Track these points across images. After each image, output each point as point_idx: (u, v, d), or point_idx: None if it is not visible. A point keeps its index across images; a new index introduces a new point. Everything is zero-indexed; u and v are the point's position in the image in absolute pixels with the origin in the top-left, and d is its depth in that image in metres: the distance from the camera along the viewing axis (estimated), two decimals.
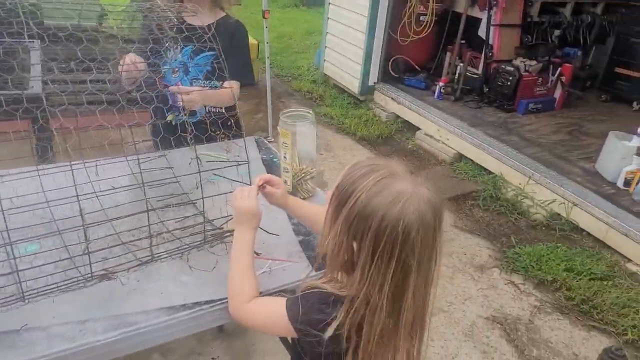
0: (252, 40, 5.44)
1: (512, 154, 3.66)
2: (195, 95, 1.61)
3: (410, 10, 4.69)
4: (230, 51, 1.83)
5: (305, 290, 0.93)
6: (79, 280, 0.98)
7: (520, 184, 3.53)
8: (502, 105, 4.51)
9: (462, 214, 3.43)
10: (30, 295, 0.93)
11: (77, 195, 0.91)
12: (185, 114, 1.68)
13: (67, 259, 1.09)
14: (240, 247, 1.06)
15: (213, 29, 1.42)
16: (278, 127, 1.43)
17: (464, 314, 2.52)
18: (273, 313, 0.95)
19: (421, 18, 4.75)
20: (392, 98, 4.77)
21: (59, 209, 1.27)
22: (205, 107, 1.91)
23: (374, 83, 4.98)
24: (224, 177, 1.16)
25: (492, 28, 4.54)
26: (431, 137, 4.31)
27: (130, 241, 1.17)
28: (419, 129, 4.48)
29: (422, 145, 4.37)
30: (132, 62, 1.60)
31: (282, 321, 0.93)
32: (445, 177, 3.88)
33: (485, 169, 3.83)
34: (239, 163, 1.13)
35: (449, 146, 4.13)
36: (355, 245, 0.86)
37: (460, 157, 4.06)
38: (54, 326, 0.95)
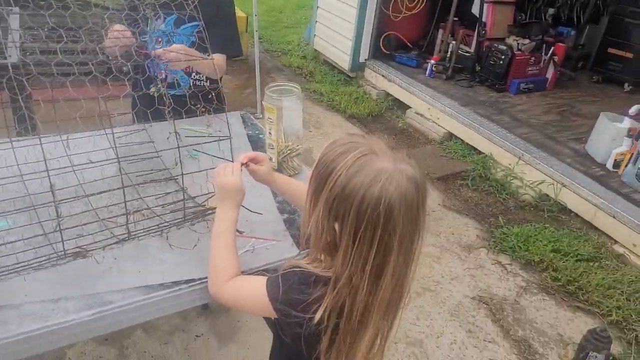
0: (240, 14, 5.30)
1: (503, 134, 3.64)
2: (180, 54, 1.53)
3: None
4: (215, 21, 1.75)
5: (286, 270, 0.90)
6: (51, 258, 0.93)
7: (510, 164, 3.52)
8: (493, 84, 4.46)
9: (450, 193, 3.42)
10: (0, 272, 0.88)
11: (47, 170, 0.85)
12: (164, 85, 1.61)
13: (40, 235, 1.04)
14: (223, 225, 1.02)
15: None
16: (263, 102, 1.37)
17: (450, 294, 2.52)
18: (253, 292, 0.92)
19: None
20: (382, 75, 4.70)
21: (34, 183, 1.21)
22: (190, 79, 1.84)
23: (365, 60, 4.89)
24: (205, 152, 1.10)
25: (485, 5, 4.46)
26: (422, 115, 4.26)
27: (108, 218, 1.12)
28: (409, 107, 4.42)
29: (413, 123, 4.33)
30: (119, 31, 1.52)
31: (262, 301, 0.89)
32: (434, 156, 3.85)
33: (475, 149, 3.81)
34: (221, 138, 1.07)
35: (439, 125, 4.09)
36: (337, 226, 0.83)
37: (451, 136, 4.03)
38: (26, 304, 0.90)
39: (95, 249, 0.98)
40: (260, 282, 0.92)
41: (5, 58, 1.79)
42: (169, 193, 1.30)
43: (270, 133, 1.41)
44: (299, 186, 1.16)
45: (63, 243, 0.90)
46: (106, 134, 1.44)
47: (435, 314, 2.38)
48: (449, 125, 4.00)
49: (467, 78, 4.61)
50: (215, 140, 1.08)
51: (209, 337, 2.08)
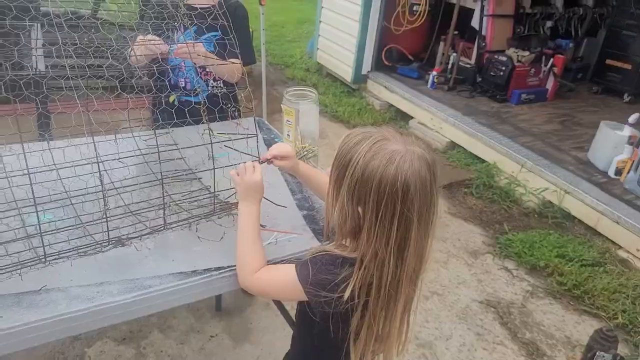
0: None
1: (506, 143, 3.71)
2: (200, 48, 1.60)
3: None
4: (231, 29, 1.84)
5: (314, 254, 0.96)
6: (96, 245, 0.99)
7: (513, 172, 3.58)
8: (495, 95, 4.56)
9: (455, 201, 3.48)
10: (51, 256, 0.94)
11: (98, 163, 0.92)
12: (191, 92, 1.69)
13: (80, 225, 1.09)
14: (248, 219, 1.08)
15: (217, 8, 1.43)
16: (282, 105, 1.44)
17: (458, 298, 2.56)
18: (283, 278, 0.98)
19: (415, 8, 4.79)
20: (385, 87, 4.80)
21: (70, 183, 1.27)
22: (208, 86, 1.92)
23: (367, 72, 5.00)
24: (234, 149, 1.17)
25: (485, 18, 4.58)
26: (424, 125, 4.35)
27: (141, 213, 1.18)
28: (412, 117, 4.51)
29: (416, 133, 4.40)
30: (145, 41, 1.59)
31: (293, 285, 0.95)
32: (438, 165, 3.90)
33: (478, 158, 3.88)
34: (248, 136, 1.14)
35: (442, 135, 4.17)
36: (360, 209, 0.90)
37: (454, 145, 4.11)
38: (72, 288, 0.97)
39: (135, 237, 1.03)
40: (289, 268, 0.98)
41: (29, 72, 1.86)
42: (194, 191, 1.36)
43: (288, 135, 1.48)
44: (322, 176, 1.23)
45: (108, 230, 0.96)
46: (133, 136, 1.52)
47: (444, 316, 2.42)
48: (452, 134, 4.08)
49: (468, 89, 4.70)
50: (243, 138, 1.14)
51: (223, 337, 2.11)
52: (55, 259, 0.93)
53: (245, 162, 1.14)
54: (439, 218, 3.04)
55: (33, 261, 0.90)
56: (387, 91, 4.79)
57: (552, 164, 3.47)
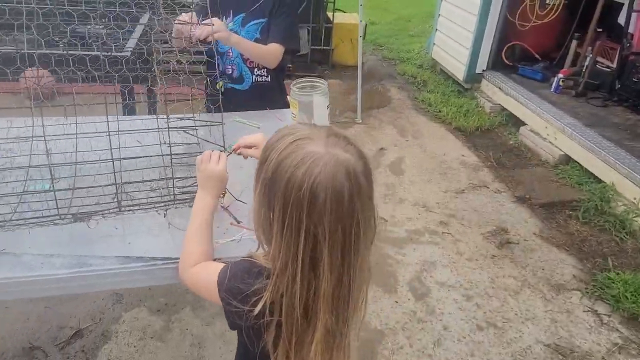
0: (356, 21, 5.36)
1: (631, 163, 3.08)
2: (224, 32, 1.59)
3: None
4: (277, 13, 1.81)
5: (241, 259, 0.88)
6: (48, 217, 1.04)
7: (635, 198, 2.97)
8: (635, 105, 3.81)
9: (553, 223, 3.00)
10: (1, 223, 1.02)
11: (44, 138, 0.97)
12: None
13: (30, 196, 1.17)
14: (199, 210, 1.04)
15: None
16: (288, 97, 1.37)
17: (519, 335, 2.21)
18: (208, 278, 0.92)
19: (547, 0, 4.21)
20: (499, 88, 4.33)
21: (86, 154, 1.38)
22: (252, 75, 1.92)
23: (483, 70, 4.57)
24: (196, 137, 1.14)
25: (634, 14, 3.83)
26: (537, 134, 3.83)
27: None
28: (524, 124, 4.01)
29: (525, 142, 3.91)
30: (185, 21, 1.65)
31: (213, 287, 0.89)
32: (544, 180, 3.43)
33: (594, 177, 3.30)
34: (212, 124, 1.10)
35: (555, 146, 3.63)
36: (271, 214, 0.79)
37: (568, 160, 3.55)
38: (26, 255, 1.04)
39: (93, 213, 1.07)
40: (217, 268, 0.91)
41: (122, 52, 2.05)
42: (193, 177, 1.38)
43: None
44: None
45: (57, 203, 1.01)
46: (157, 118, 1.59)
47: (494, 353, 2.11)
48: (567, 147, 3.53)
49: (602, 96, 4.01)
50: (203, 126, 1.11)
51: None
52: (3, 225, 1.00)
53: (212, 150, 1.10)
54: (524, 240, 2.62)
55: None
56: (501, 92, 4.33)
57: None
